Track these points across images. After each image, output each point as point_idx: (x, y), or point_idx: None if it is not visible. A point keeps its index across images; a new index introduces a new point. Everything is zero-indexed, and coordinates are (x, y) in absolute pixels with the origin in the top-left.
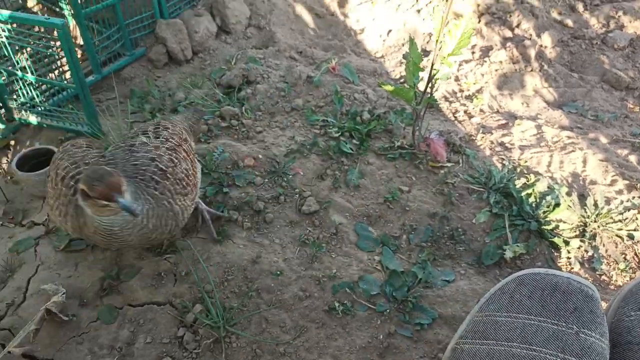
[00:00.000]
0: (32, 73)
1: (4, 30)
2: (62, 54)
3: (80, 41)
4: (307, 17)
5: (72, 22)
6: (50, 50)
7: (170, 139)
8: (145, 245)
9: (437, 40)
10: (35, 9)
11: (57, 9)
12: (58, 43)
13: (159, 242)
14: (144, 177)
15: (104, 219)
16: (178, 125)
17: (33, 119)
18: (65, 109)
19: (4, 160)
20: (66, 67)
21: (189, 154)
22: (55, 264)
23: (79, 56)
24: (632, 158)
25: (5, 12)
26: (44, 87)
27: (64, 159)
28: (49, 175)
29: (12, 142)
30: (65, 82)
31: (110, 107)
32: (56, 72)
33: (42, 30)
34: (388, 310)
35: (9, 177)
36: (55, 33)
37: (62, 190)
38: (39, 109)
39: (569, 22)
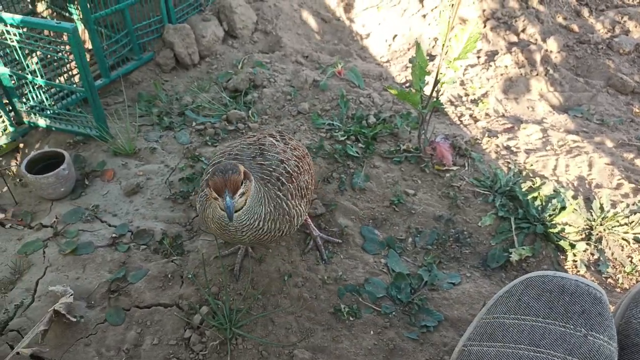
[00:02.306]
0: (41, 76)
1: (15, 35)
2: (71, 57)
3: (89, 45)
4: (313, 22)
5: (81, 27)
6: (60, 54)
7: (297, 148)
8: (257, 244)
9: (443, 45)
10: (45, 13)
11: (67, 14)
12: (67, 47)
13: (271, 242)
14: (270, 178)
15: (218, 213)
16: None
17: (42, 122)
18: (74, 112)
19: (13, 162)
20: (75, 71)
21: (310, 168)
22: (64, 266)
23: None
24: (638, 162)
25: (17, 17)
26: (52, 90)
27: (217, 154)
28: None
29: (21, 145)
30: (74, 85)
31: (118, 111)
32: (65, 75)
33: (52, 34)
34: (394, 313)
35: (18, 180)
36: (65, 37)
37: (203, 183)
38: (48, 112)
39: (575, 27)
